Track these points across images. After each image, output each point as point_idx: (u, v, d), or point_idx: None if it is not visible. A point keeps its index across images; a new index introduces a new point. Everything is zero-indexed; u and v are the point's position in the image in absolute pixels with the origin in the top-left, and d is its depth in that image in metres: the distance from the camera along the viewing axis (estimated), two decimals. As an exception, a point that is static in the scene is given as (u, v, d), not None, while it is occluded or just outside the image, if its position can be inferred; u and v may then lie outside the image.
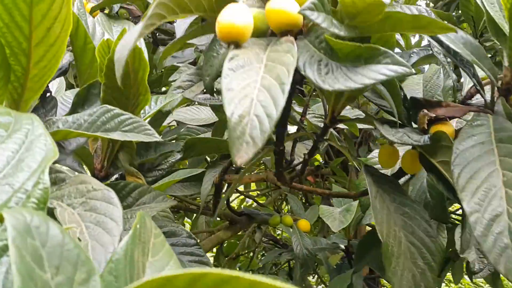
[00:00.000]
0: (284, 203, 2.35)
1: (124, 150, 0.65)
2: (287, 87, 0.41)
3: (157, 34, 1.16)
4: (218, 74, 0.55)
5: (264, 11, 0.51)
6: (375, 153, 0.94)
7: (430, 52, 0.75)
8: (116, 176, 0.67)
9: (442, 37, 0.61)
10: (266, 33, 0.52)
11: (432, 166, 0.59)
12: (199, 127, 1.08)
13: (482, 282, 3.72)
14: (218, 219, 1.79)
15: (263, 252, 2.52)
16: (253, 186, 2.35)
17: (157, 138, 0.54)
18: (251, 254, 2.30)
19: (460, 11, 1.61)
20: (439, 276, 1.29)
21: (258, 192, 2.16)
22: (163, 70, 0.93)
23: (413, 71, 0.44)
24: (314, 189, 0.91)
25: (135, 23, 1.04)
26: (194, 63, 0.93)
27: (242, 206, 2.56)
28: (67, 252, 0.27)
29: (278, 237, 2.42)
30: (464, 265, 1.29)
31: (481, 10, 0.61)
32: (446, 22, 1.16)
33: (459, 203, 0.48)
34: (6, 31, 0.47)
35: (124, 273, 0.31)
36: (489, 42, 1.21)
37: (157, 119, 0.78)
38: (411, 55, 0.79)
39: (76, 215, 0.44)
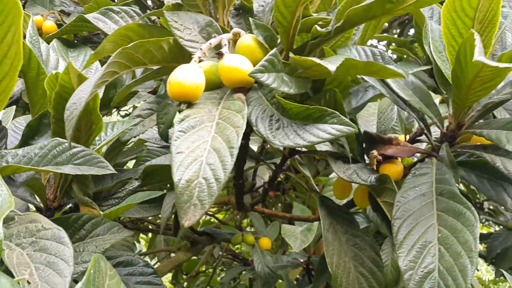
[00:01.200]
0: (245, 217, 2.37)
1: (78, 180, 0.65)
2: (236, 151, 0.44)
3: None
4: (172, 121, 0.57)
5: (218, 63, 0.53)
6: (334, 174, 0.98)
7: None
8: (69, 205, 0.67)
9: (392, 83, 0.65)
10: (220, 85, 0.55)
11: (377, 205, 0.63)
12: (160, 148, 1.08)
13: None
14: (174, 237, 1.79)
15: (222, 267, 2.53)
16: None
17: (111, 170, 0.54)
18: (210, 270, 2.30)
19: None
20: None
21: (218, 209, 2.17)
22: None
23: (357, 130, 0.47)
24: (275, 213, 0.94)
25: (93, 41, 1.04)
26: (153, 91, 0.94)
27: (200, 220, 2.55)
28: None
29: (237, 252, 2.44)
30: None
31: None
32: (401, 47, 1.21)
33: (396, 253, 0.51)
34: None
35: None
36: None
37: (116, 147, 0.78)
38: (367, 89, 0.83)
39: (26, 256, 0.44)
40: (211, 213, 1.98)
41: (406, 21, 1.85)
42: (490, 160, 0.56)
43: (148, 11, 0.97)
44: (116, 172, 0.54)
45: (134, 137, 0.80)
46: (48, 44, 0.73)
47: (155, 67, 0.64)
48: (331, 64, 0.47)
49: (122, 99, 0.94)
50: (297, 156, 1.12)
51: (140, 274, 0.66)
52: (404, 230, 0.52)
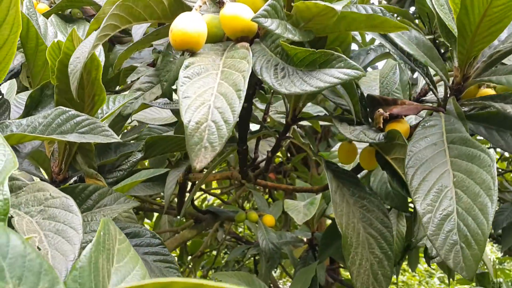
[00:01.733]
0: (247, 200, 2.38)
1: (82, 152, 0.64)
2: (243, 93, 0.43)
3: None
4: (176, 79, 0.56)
5: (219, 16, 0.52)
6: (337, 146, 0.98)
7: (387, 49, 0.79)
8: (74, 178, 0.66)
9: (395, 38, 0.64)
10: (222, 38, 0.54)
11: (386, 163, 0.63)
12: (161, 126, 1.07)
13: (434, 269, 3.96)
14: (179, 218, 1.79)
15: (226, 250, 2.55)
16: (214, 184, 2.36)
17: (116, 139, 0.54)
18: (214, 252, 2.32)
19: (415, 8, 1.69)
20: (397, 264, 1.37)
21: (221, 190, 2.18)
22: (120, 69, 0.92)
23: (365, 73, 0.46)
24: (278, 185, 0.94)
25: (88, 21, 1.02)
26: (152, 64, 0.92)
27: (203, 204, 2.56)
28: (29, 262, 0.27)
29: (240, 235, 2.46)
30: (422, 251, 1.37)
31: (436, 8, 0.65)
32: (402, 18, 1.21)
33: (412, 198, 0.52)
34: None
35: (89, 280, 0.32)
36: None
37: (118, 122, 0.78)
38: (368, 52, 0.83)
39: (35, 223, 0.44)
40: (216, 194, 1.98)
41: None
42: (500, 108, 0.55)
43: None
44: (120, 140, 0.53)
45: (137, 111, 0.79)
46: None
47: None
48: (336, 5, 0.47)
49: (121, 78, 0.93)
50: (298, 128, 1.12)
51: (147, 245, 0.65)
52: (419, 177, 0.52)
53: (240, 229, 2.86)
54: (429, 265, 1.32)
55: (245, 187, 1.90)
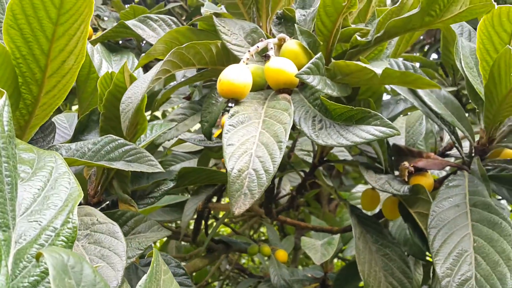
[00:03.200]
0: (254, 230, 2.38)
1: (119, 178, 0.68)
2: (284, 145, 0.47)
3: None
4: (215, 120, 0.61)
5: (262, 67, 0.57)
6: (358, 188, 1.01)
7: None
8: (107, 202, 0.70)
9: (424, 96, 0.68)
10: (264, 87, 0.58)
11: (409, 216, 0.66)
12: (185, 153, 1.11)
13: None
14: (186, 244, 1.80)
15: (227, 281, 2.53)
16: (221, 213, 2.38)
17: (160, 169, 0.58)
18: (216, 283, 2.31)
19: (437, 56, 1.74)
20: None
21: (230, 219, 2.19)
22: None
23: (400, 133, 0.50)
24: (297, 223, 0.96)
25: (126, 47, 1.08)
26: (188, 97, 0.98)
27: (208, 232, 2.56)
28: (98, 291, 0.31)
29: (244, 266, 2.44)
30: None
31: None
32: (426, 68, 1.25)
33: (432, 260, 0.54)
34: (22, 62, 0.51)
35: (142, 310, 0.35)
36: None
37: (150, 149, 0.82)
38: (398, 101, 0.87)
39: (81, 247, 0.47)
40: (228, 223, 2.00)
41: (429, 45, 1.89)
42: (524, 172, 0.58)
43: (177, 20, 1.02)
44: (163, 170, 0.57)
45: (168, 140, 0.84)
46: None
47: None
48: (377, 68, 0.51)
49: (154, 105, 0.98)
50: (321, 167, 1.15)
51: (172, 274, 0.68)
52: (440, 239, 0.54)
53: (244, 260, 2.85)
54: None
55: (256, 218, 1.91)
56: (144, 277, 0.36)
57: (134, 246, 0.57)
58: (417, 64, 1.47)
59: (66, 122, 0.75)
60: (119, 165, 0.54)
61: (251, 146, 0.47)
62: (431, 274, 1.11)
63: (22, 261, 0.32)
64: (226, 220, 2.07)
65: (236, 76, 0.52)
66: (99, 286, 0.31)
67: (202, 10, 0.80)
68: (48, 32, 0.48)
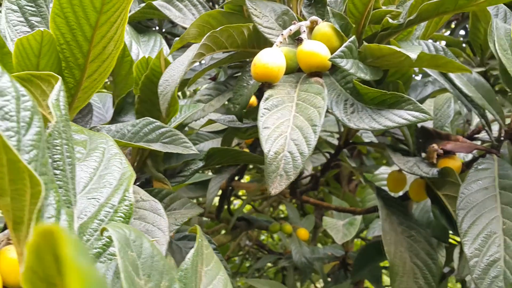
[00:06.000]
0: (273, 208, 2.44)
1: (152, 157, 0.72)
2: (319, 129, 0.49)
3: (170, 39, 1.24)
4: (247, 103, 0.63)
5: (294, 50, 0.59)
6: (382, 169, 1.03)
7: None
8: (142, 181, 0.74)
9: (455, 78, 0.69)
10: (294, 70, 0.60)
11: (437, 198, 0.68)
12: (208, 133, 1.15)
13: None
14: (207, 219, 1.86)
15: (247, 256, 2.61)
16: (241, 192, 2.44)
17: (194, 151, 0.61)
18: (235, 258, 2.39)
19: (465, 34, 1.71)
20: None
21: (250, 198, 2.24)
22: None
23: (433, 117, 0.52)
24: (320, 203, 0.99)
25: (148, 26, 1.10)
26: (213, 78, 1.00)
27: (231, 209, 2.63)
28: (156, 262, 0.35)
29: (263, 242, 2.51)
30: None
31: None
32: (455, 48, 1.24)
33: (459, 236, 0.56)
34: (66, 48, 0.54)
35: (191, 280, 0.39)
36: (495, 71, 1.31)
37: (178, 129, 0.85)
38: (426, 84, 0.88)
39: (126, 222, 0.51)
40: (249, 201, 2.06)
41: (456, 22, 1.86)
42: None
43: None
44: (197, 152, 0.61)
45: (195, 120, 0.87)
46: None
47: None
48: (411, 52, 0.52)
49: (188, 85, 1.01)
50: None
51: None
52: (469, 220, 0.57)
53: (263, 237, 2.93)
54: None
55: (276, 197, 1.96)
56: (192, 251, 0.40)
57: (171, 222, 0.62)
58: (443, 43, 1.45)
59: (99, 102, 0.79)
60: (156, 146, 0.58)
61: (286, 130, 0.49)
62: (453, 257, 1.14)
63: (85, 235, 0.37)
64: (246, 197, 2.12)
65: (270, 60, 0.54)
66: (156, 259, 0.35)
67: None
68: (92, 20, 0.51)
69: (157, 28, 1.29)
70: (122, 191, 0.39)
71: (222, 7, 0.71)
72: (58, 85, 0.39)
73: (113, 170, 0.41)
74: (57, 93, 0.37)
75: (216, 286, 0.42)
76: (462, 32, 1.89)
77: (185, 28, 0.71)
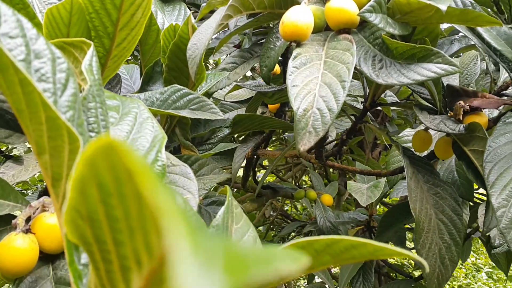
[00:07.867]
0: (297, 177, 2.45)
1: (180, 125, 0.73)
2: (347, 84, 0.48)
3: (192, 11, 1.22)
4: (274, 65, 0.62)
5: (322, 8, 0.57)
6: (406, 131, 1.01)
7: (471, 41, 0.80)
8: (170, 148, 0.75)
9: (484, 32, 0.66)
10: (322, 28, 0.59)
11: (463, 154, 0.66)
12: (232, 103, 1.15)
13: (482, 264, 3.92)
14: (234, 190, 1.89)
15: (271, 226, 2.66)
16: (265, 162, 2.46)
17: (221, 116, 0.61)
18: (260, 228, 2.44)
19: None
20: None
21: (276, 168, 2.25)
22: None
23: (462, 70, 0.50)
24: (346, 167, 0.99)
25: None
26: (238, 45, 0.99)
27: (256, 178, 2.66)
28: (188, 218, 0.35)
29: (287, 212, 2.55)
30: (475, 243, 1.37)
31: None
32: (481, 6, 1.18)
33: (486, 190, 0.55)
34: (95, 16, 0.54)
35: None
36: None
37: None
38: (452, 42, 0.84)
39: (159, 185, 0.52)
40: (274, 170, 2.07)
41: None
42: None
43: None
44: (224, 117, 0.61)
45: (221, 89, 0.87)
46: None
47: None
48: (441, 5, 0.50)
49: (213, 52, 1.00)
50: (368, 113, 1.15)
51: (232, 214, 0.74)
52: (496, 172, 0.55)
53: (286, 207, 2.96)
54: (490, 256, 1.34)
55: (300, 166, 1.96)
56: (222, 208, 0.40)
57: (200, 187, 0.63)
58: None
59: (126, 74, 0.80)
60: (184, 113, 0.58)
61: (314, 87, 0.49)
62: (478, 215, 1.12)
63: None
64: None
65: (299, 17, 0.53)
66: (189, 214, 0.36)
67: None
68: (118, -14, 0.50)
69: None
70: (155, 152, 0.39)
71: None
72: (91, 50, 0.39)
73: (145, 133, 0.42)
74: (90, 58, 0.38)
75: (246, 243, 0.43)
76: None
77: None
